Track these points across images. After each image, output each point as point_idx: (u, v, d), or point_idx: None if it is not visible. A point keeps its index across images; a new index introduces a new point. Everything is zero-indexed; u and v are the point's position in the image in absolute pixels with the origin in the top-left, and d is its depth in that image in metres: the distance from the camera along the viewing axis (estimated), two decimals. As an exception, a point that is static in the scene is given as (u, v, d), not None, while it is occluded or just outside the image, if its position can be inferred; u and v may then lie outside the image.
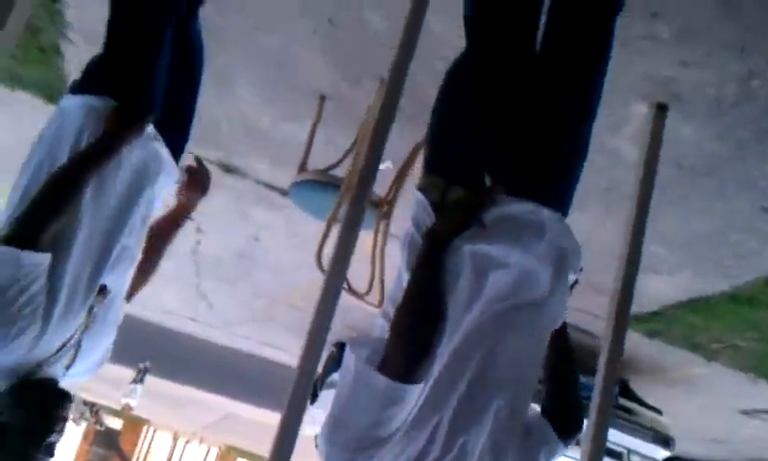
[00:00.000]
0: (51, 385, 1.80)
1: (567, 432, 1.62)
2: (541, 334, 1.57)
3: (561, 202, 1.67)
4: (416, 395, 1.35)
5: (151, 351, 9.61)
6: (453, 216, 1.51)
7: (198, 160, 2.30)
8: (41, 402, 1.73)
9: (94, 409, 22.37)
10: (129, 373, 11.62)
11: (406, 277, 1.54)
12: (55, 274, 1.71)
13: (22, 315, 1.64)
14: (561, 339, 1.66)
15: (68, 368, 1.86)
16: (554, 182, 1.69)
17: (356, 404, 1.37)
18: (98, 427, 22.85)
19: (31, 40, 3.44)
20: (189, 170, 2.26)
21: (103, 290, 1.87)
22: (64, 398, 1.81)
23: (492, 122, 1.65)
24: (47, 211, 1.68)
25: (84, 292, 1.82)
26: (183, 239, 5.52)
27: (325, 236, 3.06)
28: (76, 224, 1.78)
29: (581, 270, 1.68)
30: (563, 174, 1.72)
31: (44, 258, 1.67)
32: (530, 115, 1.67)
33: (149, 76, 2.02)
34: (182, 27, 2.30)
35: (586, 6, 1.80)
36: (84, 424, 22.40)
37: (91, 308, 1.85)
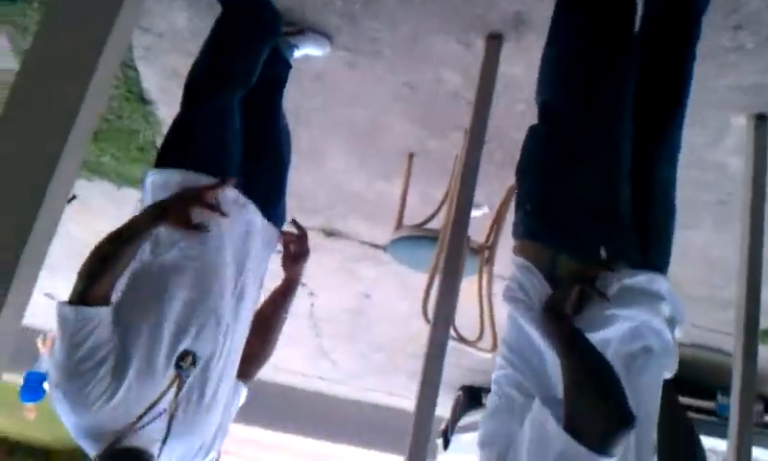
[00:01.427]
0: (134, 453, 1.73)
1: None
2: (660, 380, 1.59)
3: (665, 261, 1.71)
4: None
5: (288, 411, 9.88)
6: (572, 292, 1.52)
7: (293, 223, 2.26)
8: None
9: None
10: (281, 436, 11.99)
11: (525, 326, 1.55)
12: (128, 333, 1.72)
13: (84, 368, 1.65)
14: (671, 394, 1.63)
15: (164, 443, 1.77)
16: (657, 243, 1.71)
17: None
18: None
19: (130, 142, 3.69)
20: (285, 240, 2.22)
21: (187, 356, 1.81)
22: None
23: (591, 185, 1.63)
24: (98, 268, 1.70)
25: (165, 355, 1.77)
26: (298, 303, 5.68)
27: (429, 288, 3.06)
28: (153, 287, 1.79)
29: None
30: (663, 234, 1.73)
31: (97, 312, 1.67)
32: (630, 174, 1.68)
33: (220, 145, 2.05)
34: (264, 106, 2.37)
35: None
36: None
37: (179, 376, 1.79)
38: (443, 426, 7.01)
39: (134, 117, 3.45)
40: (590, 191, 1.62)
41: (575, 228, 1.61)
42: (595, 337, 1.46)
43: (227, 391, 1.97)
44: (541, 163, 1.71)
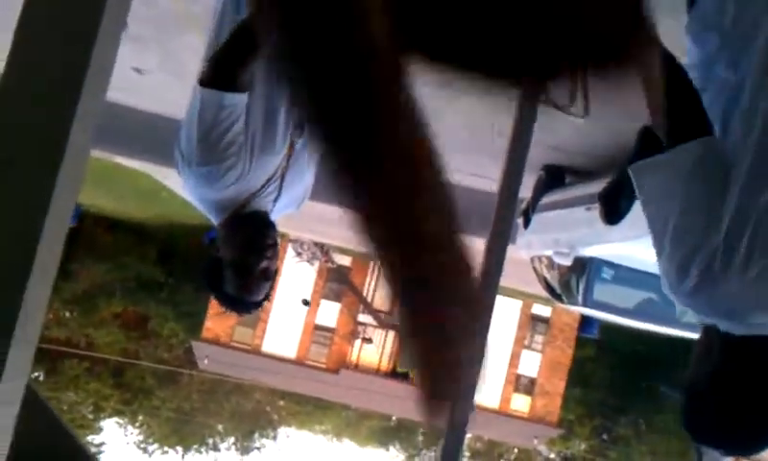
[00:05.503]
0: (258, 216, 1.92)
1: None
2: None
3: None
4: None
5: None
6: None
7: None
8: (249, 231, 1.88)
9: (324, 249, 24.36)
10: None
11: None
12: (249, 112, 1.74)
13: (228, 154, 1.71)
14: None
15: (276, 201, 1.97)
16: None
17: None
18: (330, 265, 24.97)
19: None
20: None
21: (298, 127, 1.90)
22: (269, 226, 1.93)
23: None
24: (243, 51, 1.58)
25: (283, 127, 1.87)
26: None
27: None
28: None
29: None
30: None
31: (243, 98, 1.68)
32: None
33: None
34: None
35: None
36: (316, 264, 24.59)
37: (292, 143, 1.91)
38: (523, 206, 6.99)
39: None
40: None
41: None
42: None
43: None
44: None
